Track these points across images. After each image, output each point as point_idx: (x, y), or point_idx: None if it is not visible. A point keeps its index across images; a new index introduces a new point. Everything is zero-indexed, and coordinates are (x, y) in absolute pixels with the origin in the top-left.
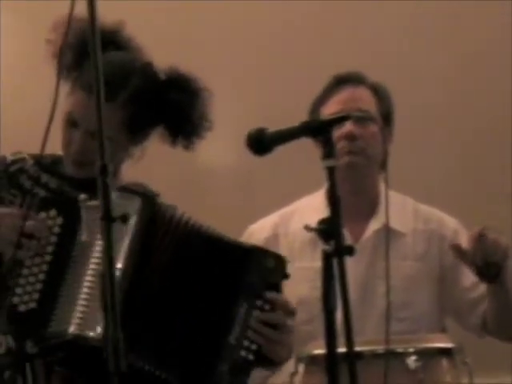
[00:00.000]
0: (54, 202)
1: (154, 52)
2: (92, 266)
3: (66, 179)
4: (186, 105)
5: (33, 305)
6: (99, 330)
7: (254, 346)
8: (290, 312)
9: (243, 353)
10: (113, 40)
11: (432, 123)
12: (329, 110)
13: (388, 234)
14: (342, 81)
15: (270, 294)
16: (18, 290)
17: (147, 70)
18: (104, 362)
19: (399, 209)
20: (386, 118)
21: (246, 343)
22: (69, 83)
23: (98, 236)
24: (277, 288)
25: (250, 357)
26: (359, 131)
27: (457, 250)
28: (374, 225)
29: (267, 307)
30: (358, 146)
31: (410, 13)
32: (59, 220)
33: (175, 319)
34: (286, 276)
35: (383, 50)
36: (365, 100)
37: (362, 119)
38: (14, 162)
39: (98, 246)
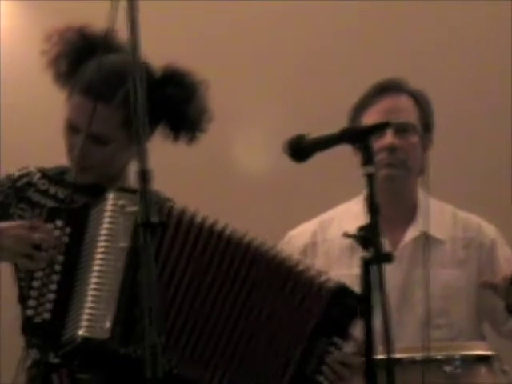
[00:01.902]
0: (61, 212)
1: (187, 55)
2: (97, 268)
3: (75, 188)
4: (183, 99)
5: (47, 315)
6: (108, 329)
7: (325, 382)
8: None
9: None
10: (105, 44)
11: (471, 129)
12: (369, 119)
13: (427, 241)
14: (383, 89)
15: (348, 333)
16: (31, 303)
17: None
18: (126, 364)
19: (438, 216)
20: (427, 125)
21: (319, 378)
22: (66, 90)
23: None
24: (352, 325)
25: None
26: (400, 142)
27: (488, 285)
28: (413, 232)
29: (343, 345)
30: (398, 159)
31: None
32: (67, 230)
33: (249, 343)
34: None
35: (424, 56)
36: (406, 110)
37: (403, 130)
38: (20, 176)
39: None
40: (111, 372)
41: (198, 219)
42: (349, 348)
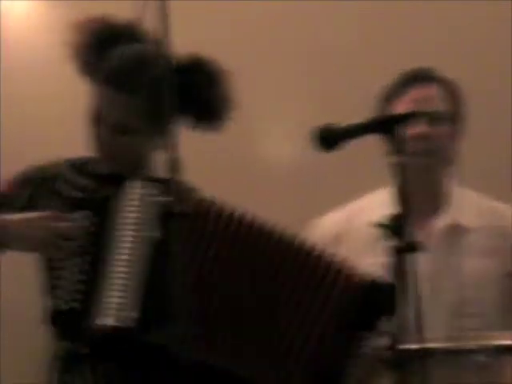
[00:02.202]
0: (87, 202)
1: (213, 46)
2: (123, 257)
3: (100, 177)
4: (206, 87)
5: (75, 305)
6: (134, 317)
7: (358, 375)
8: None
9: (347, 380)
10: (128, 34)
11: (497, 117)
12: (400, 109)
13: (456, 230)
14: (413, 78)
15: (378, 328)
16: (59, 293)
17: (164, 58)
18: (155, 353)
19: (467, 205)
20: (458, 115)
21: (351, 370)
22: (90, 80)
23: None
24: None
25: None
26: (431, 131)
27: None
28: (442, 221)
29: (376, 338)
30: (430, 147)
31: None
32: (92, 219)
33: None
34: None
35: (450, 45)
36: (436, 99)
37: (434, 119)
38: (49, 168)
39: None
40: (141, 361)
41: (227, 210)
42: (382, 342)
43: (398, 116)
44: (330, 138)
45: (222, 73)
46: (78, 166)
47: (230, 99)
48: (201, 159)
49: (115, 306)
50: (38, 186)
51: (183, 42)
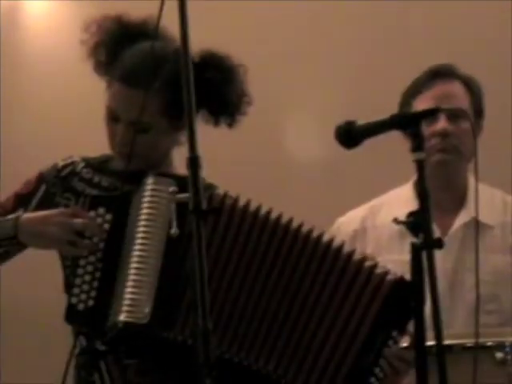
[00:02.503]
0: (103, 199)
1: (238, 44)
2: (137, 253)
3: (118, 175)
4: (222, 82)
5: (91, 303)
6: (147, 313)
7: (381, 374)
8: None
9: (372, 379)
10: (143, 32)
11: (497, 117)
12: (421, 106)
13: (477, 227)
14: (435, 75)
15: (406, 328)
16: (76, 290)
17: (178, 55)
18: (172, 350)
19: (488, 201)
20: (478, 112)
21: (376, 370)
22: (106, 78)
23: (141, 219)
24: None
25: (375, 383)
26: (452, 128)
27: None
28: (463, 218)
29: (401, 339)
30: (451, 144)
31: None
32: (108, 216)
33: (297, 326)
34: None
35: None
36: (458, 96)
37: (455, 116)
38: (64, 166)
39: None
40: (158, 358)
41: (251, 207)
42: (403, 342)
43: (419, 112)
44: (350, 136)
45: (237, 68)
46: (95, 164)
47: (245, 94)
48: (225, 156)
49: (128, 302)
50: (53, 184)
51: (203, 39)
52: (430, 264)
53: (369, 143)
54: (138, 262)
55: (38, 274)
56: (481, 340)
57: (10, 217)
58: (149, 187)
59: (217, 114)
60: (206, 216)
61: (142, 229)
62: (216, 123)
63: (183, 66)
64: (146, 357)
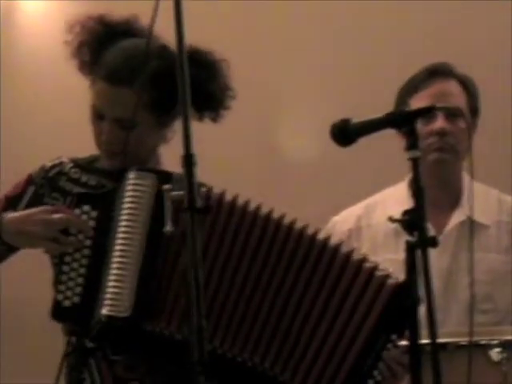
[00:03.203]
0: (88, 197)
1: (234, 41)
2: (119, 247)
3: (104, 173)
4: (205, 78)
5: (76, 299)
6: (128, 307)
7: (379, 377)
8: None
9: (371, 382)
10: (126, 31)
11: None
12: (418, 104)
13: (472, 226)
14: (432, 73)
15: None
16: (61, 287)
17: (162, 51)
18: (160, 345)
19: (483, 200)
20: (474, 111)
21: (375, 373)
22: (90, 78)
23: (122, 214)
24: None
25: None
26: (449, 127)
27: None
28: (458, 217)
29: (399, 342)
30: (448, 143)
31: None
32: (93, 213)
33: (303, 329)
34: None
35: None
36: (455, 94)
37: (452, 114)
38: (52, 167)
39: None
40: (146, 353)
41: (246, 205)
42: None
43: (415, 111)
44: (345, 134)
45: (219, 62)
46: (83, 164)
47: (229, 89)
48: (219, 155)
49: (110, 296)
50: (41, 186)
51: (197, 37)
52: (425, 262)
53: (364, 141)
54: (119, 257)
55: (35, 273)
56: (475, 338)
57: None
58: (130, 182)
59: (200, 109)
60: (201, 213)
61: (124, 223)
62: (200, 118)
63: (179, 64)
64: (133, 352)
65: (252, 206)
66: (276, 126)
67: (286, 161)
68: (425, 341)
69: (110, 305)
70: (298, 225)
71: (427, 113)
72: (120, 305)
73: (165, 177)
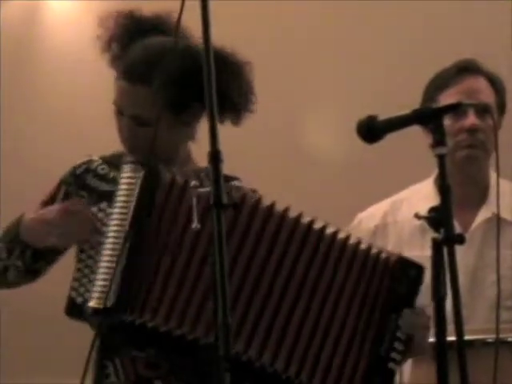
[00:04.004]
0: (107, 194)
1: (259, 41)
2: (110, 240)
3: None
4: (227, 80)
5: (88, 296)
6: (112, 297)
7: (398, 357)
8: (428, 318)
9: (391, 364)
10: (156, 27)
11: None
12: (448, 100)
13: (499, 223)
14: (461, 70)
15: (415, 303)
16: (75, 284)
17: (186, 51)
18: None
19: (509, 197)
20: (501, 108)
21: (393, 355)
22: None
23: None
24: (415, 297)
25: (395, 368)
26: (480, 124)
27: None
28: (484, 214)
29: (410, 316)
30: (479, 139)
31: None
32: (109, 211)
33: (312, 325)
34: (422, 283)
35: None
36: (484, 91)
37: (483, 111)
38: (81, 164)
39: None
40: (163, 351)
41: (266, 204)
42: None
43: (442, 107)
44: (372, 130)
45: (243, 65)
46: (110, 160)
47: (251, 92)
48: (245, 152)
49: (98, 288)
50: (70, 184)
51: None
52: (452, 259)
53: (390, 138)
54: (108, 250)
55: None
56: (502, 336)
57: (16, 218)
58: (123, 175)
59: (221, 111)
60: (226, 210)
61: (114, 216)
62: (221, 121)
63: (205, 63)
64: (150, 350)
65: (279, 207)
66: (302, 124)
67: (313, 157)
68: (451, 338)
69: (96, 297)
70: (309, 221)
71: (454, 109)
72: (103, 297)
73: (155, 169)
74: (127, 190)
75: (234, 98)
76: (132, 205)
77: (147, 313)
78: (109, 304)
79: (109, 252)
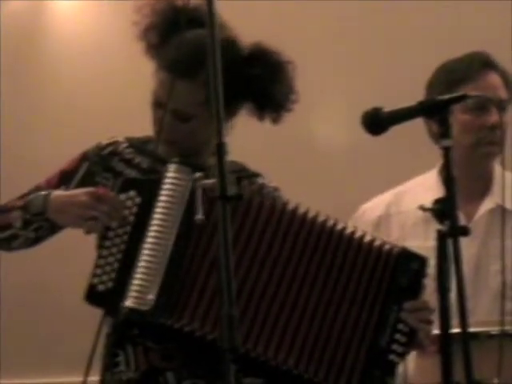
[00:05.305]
0: (135, 182)
1: (269, 32)
2: (150, 240)
3: (158, 158)
4: (269, 79)
5: (110, 285)
6: (150, 300)
7: (400, 349)
8: (431, 311)
9: (392, 356)
10: (195, 18)
11: None
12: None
13: (503, 213)
14: (483, 65)
15: (417, 298)
16: (98, 271)
17: (229, 46)
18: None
19: (510, 187)
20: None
21: (393, 346)
22: (155, 62)
23: (158, 206)
24: (420, 289)
25: (397, 360)
26: (500, 120)
27: None
28: (488, 204)
29: (413, 309)
30: (497, 136)
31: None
32: (137, 200)
33: (313, 317)
34: (425, 276)
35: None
36: (501, 87)
37: (502, 108)
38: (107, 145)
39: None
40: (178, 344)
41: (269, 201)
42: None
43: (447, 99)
44: (377, 122)
45: (285, 65)
46: (137, 144)
47: (292, 92)
48: (251, 143)
49: (135, 287)
50: (95, 163)
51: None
52: (456, 251)
53: (394, 130)
54: (150, 249)
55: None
56: (506, 328)
57: (42, 193)
58: (168, 174)
59: (262, 109)
60: (232, 202)
61: (157, 216)
62: (260, 118)
63: (209, 52)
64: (163, 342)
65: (281, 203)
66: (308, 114)
67: (318, 149)
68: (456, 330)
69: (134, 297)
70: (317, 218)
71: (459, 101)
72: (143, 297)
73: (202, 171)
74: (171, 189)
75: (277, 98)
76: (177, 207)
77: (185, 318)
78: (147, 307)
79: (149, 252)
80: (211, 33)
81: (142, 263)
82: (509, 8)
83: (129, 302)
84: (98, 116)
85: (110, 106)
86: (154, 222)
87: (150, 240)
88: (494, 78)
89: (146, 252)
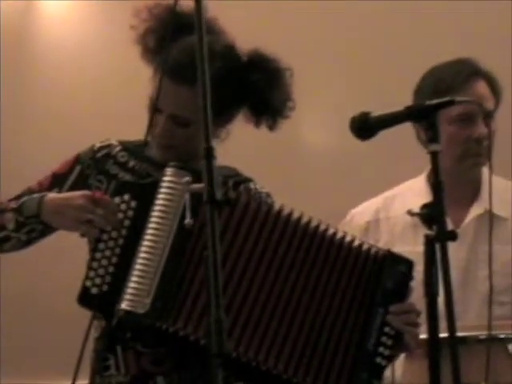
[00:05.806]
0: (131, 186)
1: (256, 39)
2: (146, 243)
3: (153, 163)
4: (267, 86)
5: (105, 288)
6: (146, 304)
7: (387, 352)
8: (418, 313)
9: (378, 359)
10: (193, 23)
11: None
12: (461, 105)
13: (491, 218)
14: (471, 74)
15: (403, 301)
16: (91, 273)
17: (228, 52)
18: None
19: (501, 194)
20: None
21: (380, 349)
22: (152, 67)
23: (154, 210)
24: (406, 292)
25: (384, 363)
26: (486, 131)
27: None
28: (476, 210)
29: (400, 312)
30: (485, 147)
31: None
32: (133, 203)
33: (302, 321)
34: (412, 279)
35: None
36: (488, 97)
37: (488, 117)
38: (101, 148)
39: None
40: (171, 349)
41: (263, 206)
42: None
43: (434, 104)
44: (365, 127)
45: (283, 71)
46: (131, 148)
47: (289, 99)
48: (239, 146)
49: (131, 291)
50: (88, 166)
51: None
52: (444, 256)
53: (383, 135)
54: (145, 253)
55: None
56: (494, 332)
57: (36, 195)
58: (166, 178)
59: (259, 115)
60: (220, 207)
61: (154, 219)
62: (257, 124)
63: (199, 56)
64: (157, 346)
65: (273, 207)
66: (296, 119)
67: (306, 153)
68: (444, 334)
69: (130, 300)
70: (310, 222)
71: (446, 106)
72: (139, 300)
73: (200, 176)
74: (168, 193)
75: (274, 104)
76: (174, 210)
77: (180, 321)
78: (143, 310)
79: (144, 255)
80: (199, 36)
81: (138, 266)
82: (509, 8)
83: (124, 305)
84: (90, 117)
85: (103, 106)
86: (151, 225)
87: (146, 243)
88: (482, 87)
89: (142, 255)
